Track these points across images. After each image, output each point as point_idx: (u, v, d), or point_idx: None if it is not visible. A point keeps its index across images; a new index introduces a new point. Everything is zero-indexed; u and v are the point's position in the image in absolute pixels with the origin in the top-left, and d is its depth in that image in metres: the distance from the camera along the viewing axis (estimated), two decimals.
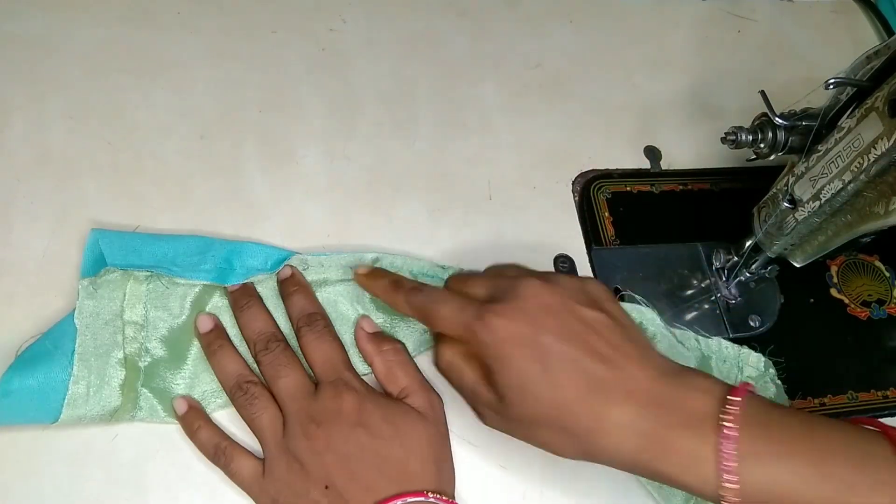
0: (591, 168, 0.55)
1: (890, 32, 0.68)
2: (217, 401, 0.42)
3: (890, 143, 0.36)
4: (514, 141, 0.55)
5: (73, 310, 0.41)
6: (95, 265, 0.42)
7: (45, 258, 0.45)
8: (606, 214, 0.53)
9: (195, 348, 0.43)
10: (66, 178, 0.47)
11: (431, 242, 0.49)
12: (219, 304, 0.44)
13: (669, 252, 0.52)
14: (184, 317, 0.43)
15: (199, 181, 0.49)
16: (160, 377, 0.41)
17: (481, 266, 0.44)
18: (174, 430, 0.41)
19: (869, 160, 0.38)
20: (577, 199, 0.53)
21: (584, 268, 0.50)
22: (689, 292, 0.51)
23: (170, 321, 0.43)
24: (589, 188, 0.54)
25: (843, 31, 0.68)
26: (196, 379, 0.42)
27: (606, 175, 0.55)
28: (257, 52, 0.55)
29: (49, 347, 0.40)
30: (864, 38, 0.68)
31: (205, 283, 0.43)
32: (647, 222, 0.53)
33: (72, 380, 0.39)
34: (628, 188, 0.55)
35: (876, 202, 0.39)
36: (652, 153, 0.57)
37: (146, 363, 0.41)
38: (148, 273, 0.43)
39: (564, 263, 0.50)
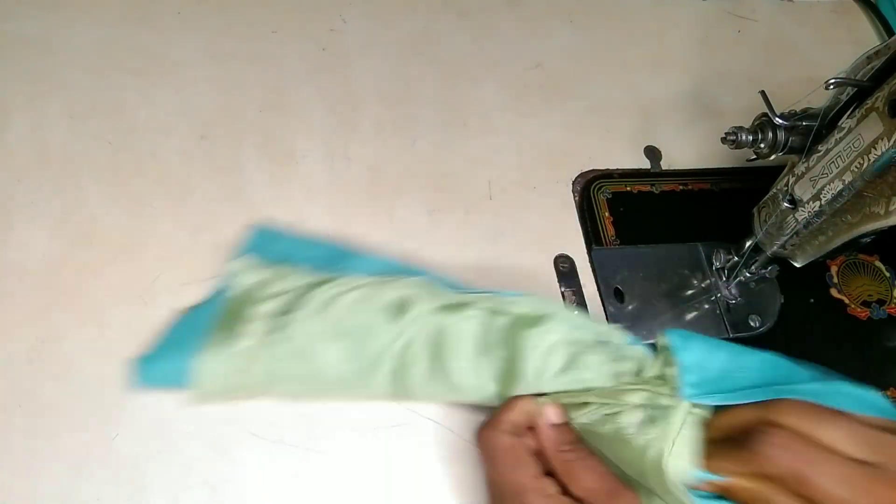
0: (591, 168, 0.55)
1: (890, 32, 0.68)
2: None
3: (890, 144, 0.36)
4: (514, 141, 0.55)
5: (219, 289, 0.44)
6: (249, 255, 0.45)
7: (45, 258, 0.45)
8: (606, 214, 0.53)
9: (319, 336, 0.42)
10: (66, 178, 0.47)
11: (431, 242, 0.49)
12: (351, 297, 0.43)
13: (669, 252, 0.52)
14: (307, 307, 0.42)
15: (199, 181, 0.49)
16: (286, 356, 0.41)
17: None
18: (174, 430, 0.41)
19: (869, 160, 0.38)
20: (577, 199, 0.53)
21: (584, 268, 0.50)
22: (690, 292, 0.51)
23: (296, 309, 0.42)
24: (589, 188, 0.54)
25: (843, 31, 0.68)
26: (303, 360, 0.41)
27: (606, 175, 0.55)
28: (257, 52, 0.55)
29: (193, 323, 0.43)
30: (864, 38, 0.68)
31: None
32: (647, 222, 0.53)
33: (203, 354, 0.40)
34: (628, 188, 0.55)
35: (876, 202, 0.39)
36: (652, 153, 0.57)
37: (271, 344, 0.41)
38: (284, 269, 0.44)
39: (564, 263, 0.50)
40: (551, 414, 0.38)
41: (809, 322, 0.52)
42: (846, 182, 0.40)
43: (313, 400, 0.43)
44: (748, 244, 0.48)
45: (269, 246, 0.46)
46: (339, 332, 0.42)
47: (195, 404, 0.41)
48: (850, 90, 0.40)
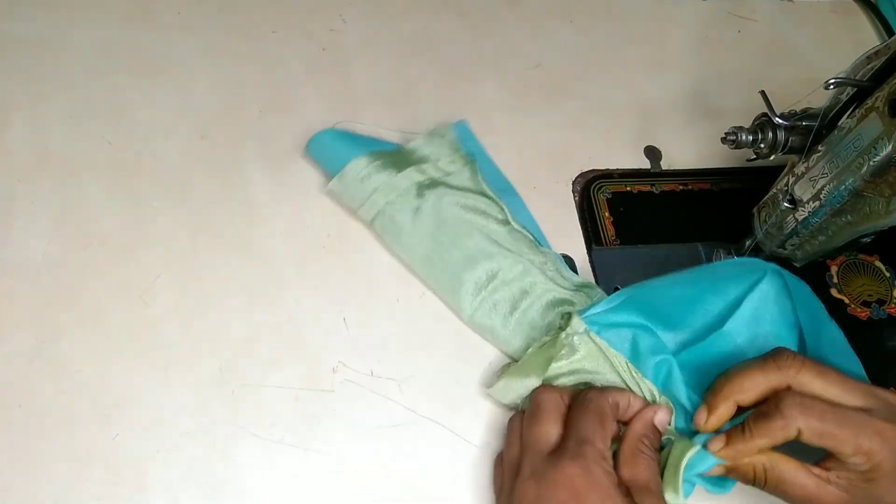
0: (591, 168, 0.55)
1: (890, 32, 0.68)
2: None
3: (890, 144, 0.37)
4: (514, 141, 0.55)
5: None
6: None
7: (45, 258, 0.45)
8: (606, 214, 0.53)
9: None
10: (66, 178, 0.48)
11: None
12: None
13: (669, 252, 0.52)
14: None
15: (199, 181, 0.49)
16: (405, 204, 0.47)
17: None
18: (174, 430, 0.41)
19: (869, 160, 0.38)
20: (577, 199, 0.53)
21: (584, 268, 0.50)
22: None
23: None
24: (589, 188, 0.54)
25: (843, 31, 0.68)
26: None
27: (606, 175, 0.55)
28: (257, 52, 0.55)
29: (363, 140, 0.51)
30: (864, 38, 0.68)
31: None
32: (647, 222, 0.53)
33: (354, 160, 0.47)
34: (628, 188, 0.55)
35: (876, 202, 0.39)
36: (652, 153, 0.57)
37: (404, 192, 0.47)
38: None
39: None
40: (662, 415, 0.40)
41: None
42: (846, 182, 0.40)
43: (399, 255, 0.48)
44: (748, 244, 0.48)
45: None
46: (441, 229, 0.47)
47: (327, 193, 0.48)
48: (850, 90, 0.40)
